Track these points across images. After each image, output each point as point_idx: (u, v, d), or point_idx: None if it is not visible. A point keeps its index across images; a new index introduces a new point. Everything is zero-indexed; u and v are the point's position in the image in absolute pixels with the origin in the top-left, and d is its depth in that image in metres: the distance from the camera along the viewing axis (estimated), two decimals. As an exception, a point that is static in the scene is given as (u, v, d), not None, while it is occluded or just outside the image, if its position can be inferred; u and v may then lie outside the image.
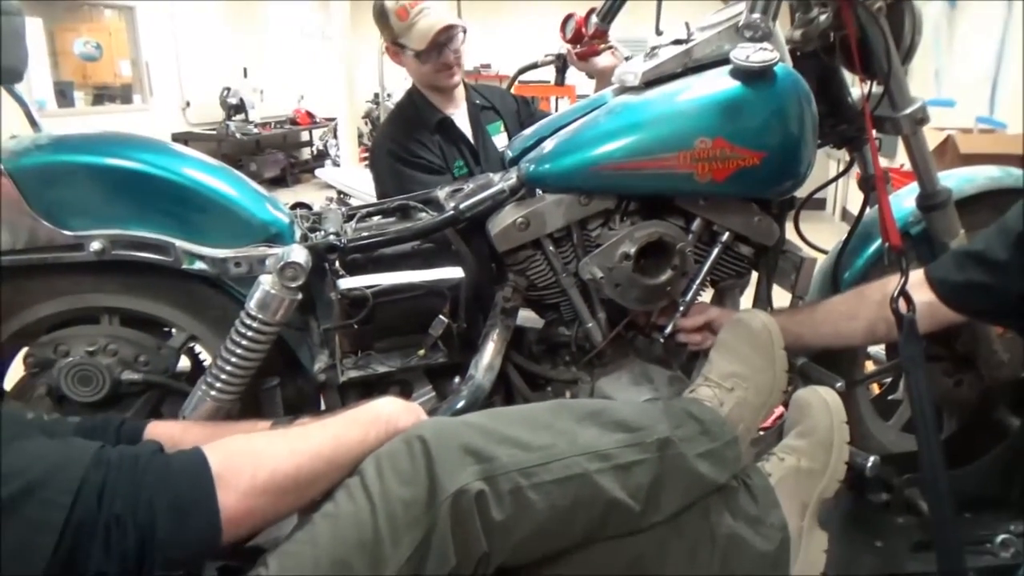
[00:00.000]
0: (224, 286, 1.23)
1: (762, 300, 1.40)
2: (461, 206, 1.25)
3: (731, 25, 1.24)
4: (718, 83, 1.20)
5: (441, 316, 1.23)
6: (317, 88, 10.72)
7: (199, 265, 1.17)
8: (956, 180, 1.45)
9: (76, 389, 1.19)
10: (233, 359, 1.13)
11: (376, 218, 1.38)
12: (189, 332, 1.27)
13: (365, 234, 1.25)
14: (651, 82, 1.27)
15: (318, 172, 5.41)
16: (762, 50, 1.17)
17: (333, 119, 9.89)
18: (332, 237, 1.22)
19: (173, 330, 1.31)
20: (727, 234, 1.32)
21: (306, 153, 10.42)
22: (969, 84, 4.55)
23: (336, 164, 8.96)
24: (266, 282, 1.13)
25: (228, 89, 8.40)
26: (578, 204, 1.26)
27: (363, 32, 8.96)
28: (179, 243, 1.15)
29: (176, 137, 7.57)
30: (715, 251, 1.33)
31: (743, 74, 1.18)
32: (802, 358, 1.32)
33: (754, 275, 1.43)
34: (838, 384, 1.22)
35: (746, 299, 1.46)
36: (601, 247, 1.26)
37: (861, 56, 1.29)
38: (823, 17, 1.29)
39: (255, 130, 8.56)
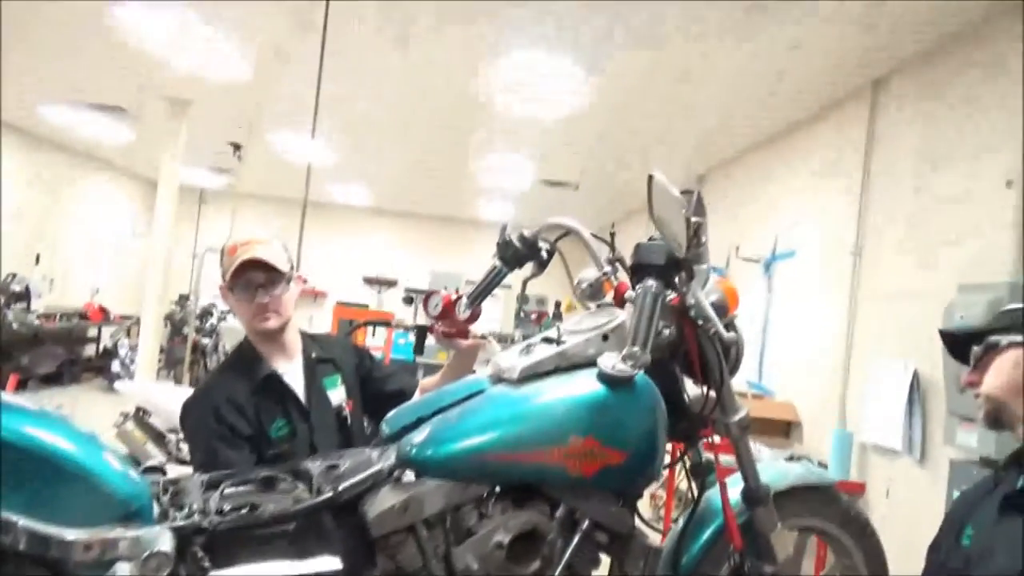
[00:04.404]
0: (61, 569, 1.09)
1: (614, 586, 1.47)
2: (340, 488, 1.24)
3: (597, 334, 1.42)
4: (588, 385, 1.34)
5: (308, 607, 1.16)
6: (119, 284, 10.17)
7: (40, 549, 1.03)
8: (770, 475, 1.66)
9: None
10: (66, 663, 0.98)
11: (240, 488, 1.31)
12: (0, 621, 1.09)
13: (234, 515, 1.18)
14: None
15: (118, 386, 4.97)
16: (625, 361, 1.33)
17: (130, 318, 9.32)
18: (198, 516, 1.15)
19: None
20: (587, 522, 1.39)
21: (90, 350, 9.59)
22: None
23: (125, 365, 8.31)
24: (123, 571, 1.02)
25: (14, 275, 7.75)
26: (457, 490, 1.29)
27: (183, 232, 8.83)
28: (23, 522, 1.02)
29: (-60, 322, 6.71)
30: (576, 538, 1.39)
31: (609, 380, 1.33)
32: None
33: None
34: None
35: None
36: (476, 535, 1.28)
37: (700, 367, 1.50)
38: (667, 332, 1.51)
39: (36, 321, 7.82)
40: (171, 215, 6.81)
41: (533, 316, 8.34)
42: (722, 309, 1.45)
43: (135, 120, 7.29)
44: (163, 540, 1.05)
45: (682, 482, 4.31)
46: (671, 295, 1.40)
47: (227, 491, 1.29)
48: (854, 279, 4.00)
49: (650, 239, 1.44)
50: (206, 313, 8.84)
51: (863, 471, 3.65)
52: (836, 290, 4.14)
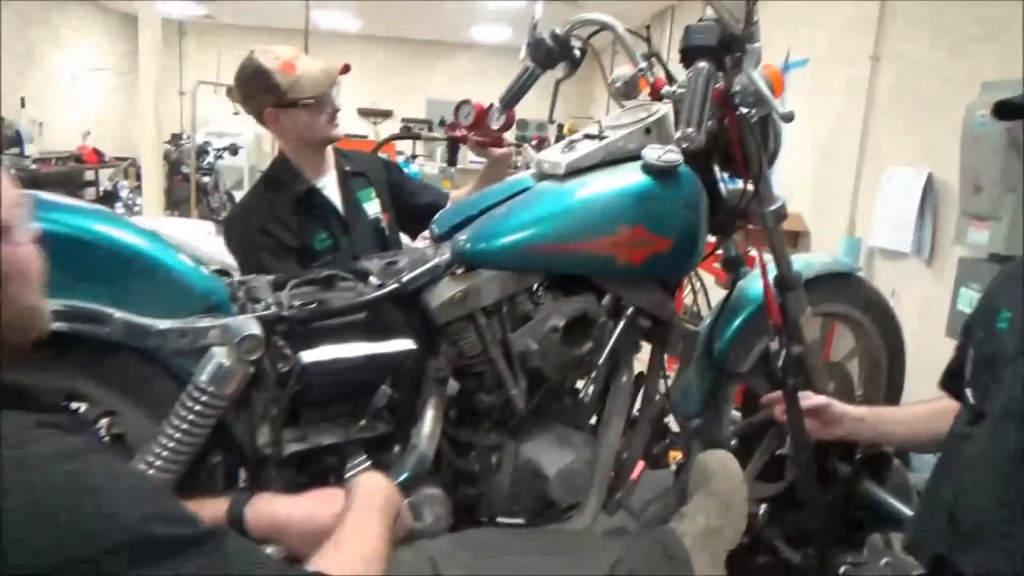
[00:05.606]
0: (156, 358, 1.17)
1: (655, 369, 1.57)
2: (404, 279, 1.30)
3: (640, 127, 1.43)
4: (635, 177, 1.37)
5: (384, 387, 1.26)
6: (108, 124, 9.92)
7: (137, 338, 1.10)
8: (800, 264, 1.73)
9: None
10: (178, 435, 1.08)
11: (306, 287, 1.37)
12: (105, 407, 1.18)
13: (309, 305, 1.25)
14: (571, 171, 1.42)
15: (134, 220, 4.97)
16: (670, 152, 1.35)
17: (127, 159, 9.18)
18: (275, 308, 1.21)
19: (78, 405, 1.20)
20: (632, 309, 1.47)
21: (91, 194, 9.52)
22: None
23: (130, 208, 8.29)
24: (220, 355, 1.09)
25: (1, 120, 7.52)
26: (510, 280, 1.35)
27: (166, 68, 8.49)
28: (118, 314, 1.08)
29: (-64, 169, 6.62)
30: (622, 324, 1.48)
31: (654, 171, 1.36)
32: (696, 420, 1.50)
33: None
34: (732, 444, 1.41)
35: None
36: (532, 320, 1.36)
37: (739, 158, 1.52)
38: (709, 123, 1.51)
39: (32, 166, 7.71)
40: (156, 50, 6.51)
41: (534, 142, 8.21)
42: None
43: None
44: (251, 325, 1.12)
45: (687, 296, 4.47)
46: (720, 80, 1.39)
47: (294, 289, 1.35)
48: (871, 85, 3.92)
49: (700, 20, 1.40)
50: (202, 151, 8.67)
51: (870, 275, 3.76)
52: (851, 97, 4.07)
